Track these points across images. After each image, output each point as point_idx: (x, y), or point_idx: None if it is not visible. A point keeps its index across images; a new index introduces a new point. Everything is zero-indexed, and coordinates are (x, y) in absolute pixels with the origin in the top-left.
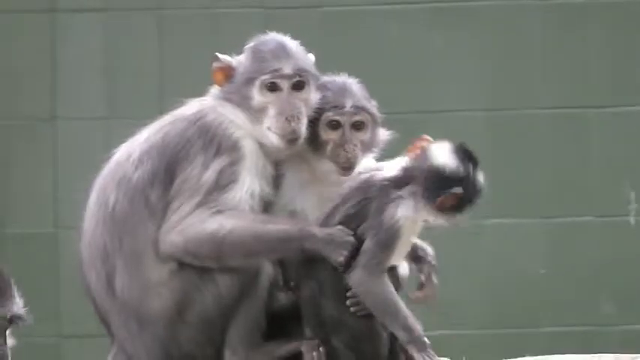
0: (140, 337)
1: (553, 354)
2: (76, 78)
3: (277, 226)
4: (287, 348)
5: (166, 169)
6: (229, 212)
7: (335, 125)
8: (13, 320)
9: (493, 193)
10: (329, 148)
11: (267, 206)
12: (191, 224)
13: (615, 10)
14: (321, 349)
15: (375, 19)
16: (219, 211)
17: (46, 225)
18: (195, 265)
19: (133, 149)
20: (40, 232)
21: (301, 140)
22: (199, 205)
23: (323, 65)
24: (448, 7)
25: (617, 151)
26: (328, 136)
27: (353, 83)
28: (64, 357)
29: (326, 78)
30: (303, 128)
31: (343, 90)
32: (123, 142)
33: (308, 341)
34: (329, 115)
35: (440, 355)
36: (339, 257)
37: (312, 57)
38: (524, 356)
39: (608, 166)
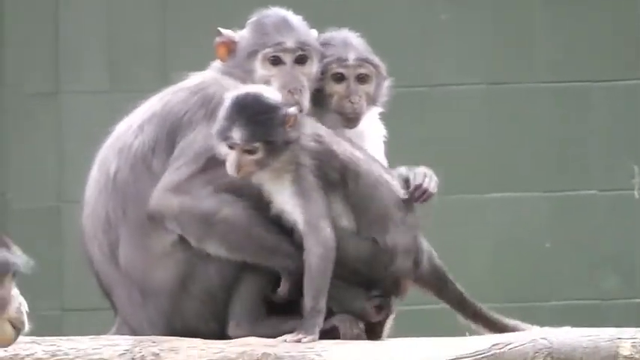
0: (143, 309)
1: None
2: (79, 52)
3: (271, 235)
4: (292, 324)
5: (168, 136)
6: (231, 198)
7: (339, 78)
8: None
9: (494, 167)
10: (334, 100)
11: None
12: (189, 194)
13: None
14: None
15: None
16: (219, 190)
17: (49, 199)
18: (176, 231)
19: (133, 120)
20: (44, 206)
21: (304, 113)
22: (199, 172)
23: None
24: None
25: (620, 124)
26: (333, 89)
27: (354, 37)
28: (66, 330)
29: (326, 34)
30: (306, 102)
31: (346, 43)
32: (126, 115)
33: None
34: (333, 67)
35: (444, 329)
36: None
37: (314, 32)
38: None
39: (611, 140)
